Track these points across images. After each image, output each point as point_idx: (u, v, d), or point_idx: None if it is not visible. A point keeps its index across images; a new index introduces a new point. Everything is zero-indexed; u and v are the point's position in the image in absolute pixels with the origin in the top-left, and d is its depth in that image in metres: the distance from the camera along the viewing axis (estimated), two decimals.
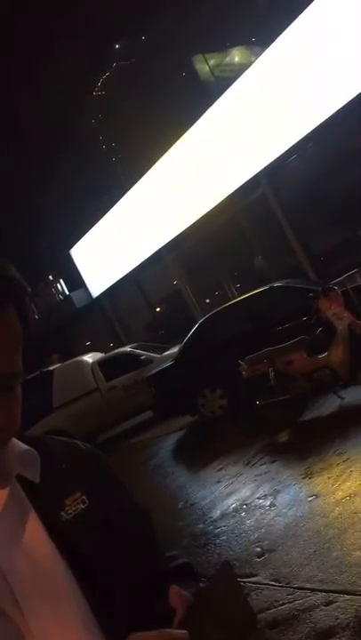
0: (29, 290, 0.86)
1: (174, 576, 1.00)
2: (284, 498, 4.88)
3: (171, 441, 9.27)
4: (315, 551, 3.75)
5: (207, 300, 15.88)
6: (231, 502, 5.37)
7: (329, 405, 6.68)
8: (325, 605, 3.16)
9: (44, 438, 0.99)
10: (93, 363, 12.17)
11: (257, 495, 5.21)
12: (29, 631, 0.80)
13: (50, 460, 0.93)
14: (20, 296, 0.84)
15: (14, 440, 0.89)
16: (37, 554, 0.85)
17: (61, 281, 20.21)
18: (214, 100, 13.26)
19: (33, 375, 12.22)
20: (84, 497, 0.93)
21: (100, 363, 12.14)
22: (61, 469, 0.95)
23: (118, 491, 1.04)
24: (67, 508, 0.91)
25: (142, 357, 11.50)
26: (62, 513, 0.90)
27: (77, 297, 19.49)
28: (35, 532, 0.87)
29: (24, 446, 0.90)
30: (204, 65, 15.16)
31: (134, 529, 1.01)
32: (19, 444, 0.90)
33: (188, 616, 0.86)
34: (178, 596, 0.89)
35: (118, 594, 0.90)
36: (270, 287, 8.75)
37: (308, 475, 5.03)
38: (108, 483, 1.03)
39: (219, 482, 6.11)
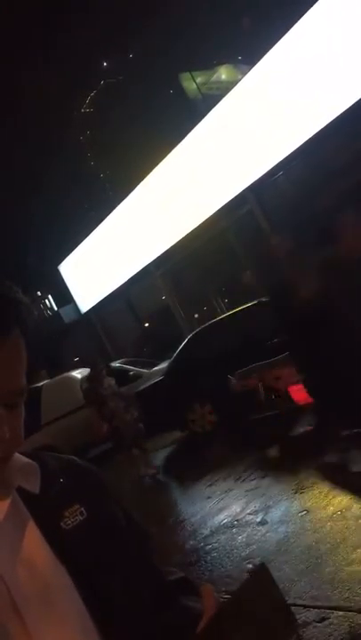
0: (34, 312, 0.89)
1: (176, 589, 1.01)
2: (275, 513, 4.86)
3: (160, 456, 9.21)
4: (307, 567, 3.73)
5: (196, 315, 15.91)
6: (222, 518, 5.34)
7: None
8: (318, 622, 3.14)
9: (40, 454, 1.00)
10: (82, 379, 12.10)
11: (248, 511, 5.19)
12: (30, 638, 0.81)
13: (48, 473, 0.95)
14: (25, 317, 0.87)
15: (15, 453, 0.91)
16: (38, 562, 0.87)
17: (50, 297, 20.20)
18: (201, 118, 13.39)
19: None
20: (83, 509, 0.95)
21: None
22: (59, 483, 0.96)
23: (115, 505, 1.05)
24: (66, 520, 0.92)
25: (131, 373, 11.45)
26: (61, 523, 0.92)
27: (66, 312, 19.46)
28: (35, 541, 0.88)
29: (25, 459, 0.93)
30: (192, 83, 15.34)
31: (132, 541, 1.02)
32: (20, 457, 0.92)
33: (216, 620, 0.83)
34: (210, 596, 0.89)
35: (118, 602, 0.91)
36: (259, 302, 8.74)
37: (299, 490, 5.02)
38: (105, 497, 1.04)
39: (209, 498, 6.08)
